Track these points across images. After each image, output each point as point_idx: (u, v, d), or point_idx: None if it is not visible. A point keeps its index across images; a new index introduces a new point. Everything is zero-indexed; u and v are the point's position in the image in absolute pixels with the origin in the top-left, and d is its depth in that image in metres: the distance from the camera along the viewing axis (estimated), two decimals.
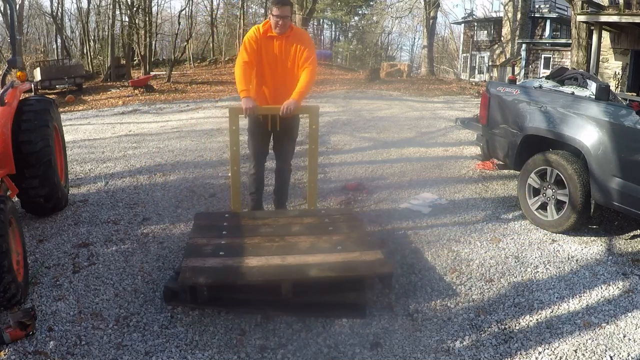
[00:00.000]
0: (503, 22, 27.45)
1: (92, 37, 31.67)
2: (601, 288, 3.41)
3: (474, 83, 21.69)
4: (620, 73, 14.82)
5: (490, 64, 28.84)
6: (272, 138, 4.34)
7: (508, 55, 25.09)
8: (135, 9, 22.12)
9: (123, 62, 24.29)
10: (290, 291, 2.96)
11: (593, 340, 2.84)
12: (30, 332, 2.79)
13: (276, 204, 4.54)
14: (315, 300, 3.05)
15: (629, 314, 3.10)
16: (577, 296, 3.31)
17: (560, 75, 5.11)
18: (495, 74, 26.20)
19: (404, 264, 3.72)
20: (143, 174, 6.09)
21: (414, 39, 48.45)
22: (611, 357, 2.71)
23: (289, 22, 3.88)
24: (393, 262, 3.70)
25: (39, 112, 4.31)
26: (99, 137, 8.64)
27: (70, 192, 5.17)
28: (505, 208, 4.92)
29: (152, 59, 26.05)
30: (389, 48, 45.31)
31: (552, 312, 3.12)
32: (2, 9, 22.63)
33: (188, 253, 3.26)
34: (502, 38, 27.49)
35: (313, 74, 3.93)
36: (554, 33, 27.11)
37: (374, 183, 5.69)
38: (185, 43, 25.78)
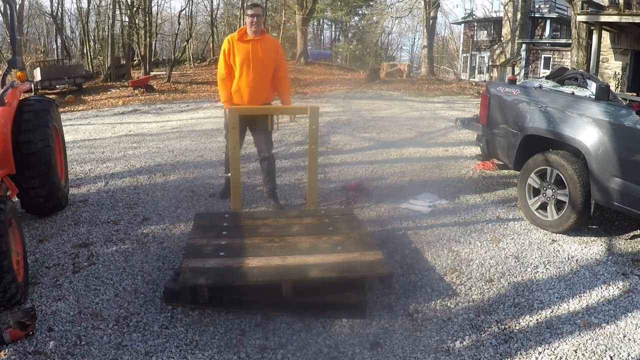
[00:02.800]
0: (503, 22, 27.46)
1: (92, 37, 31.64)
2: (601, 288, 3.41)
3: (474, 83, 21.69)
4: (620, 73, 14.83)
5: (490, 64, 28.85)
6: (248, 133, 4.86)
7: (508, 55, 25.10)
8: (135, 9, 22.12)
9: (123, 62, 24.29)
10: (291, 291, 2.96)
11: (593, 340, 2.84)
12: (30, 332, 2.79)
13: (268, 193, 4.85)
14: (315, 301, 3.05)
15: (629, 314, 3.10)
16: (577, 296, 3.31)
17: (560, 75, 5.11)
18: (495, 74, 26.20)
19: (404, 264, 3.72)
20: (143, 174, 6.10)
21: (414, 39, 48.47)
22: (611, 357, 2.71)
23: (262, 22, 4.59)
24: (393, 262, 3.71)
25: (39, 112, 4.31)
26: (99, 137, 8.64)
27: (70, 192, 5.17)
28: (505, 208, 4.92)
29: (152, 59, 26.05)
30: (389, 48, 45.34)
31: (552, 312, 3.13)
32: (2, 9, 22.62)
33: (188, 253, 3.26)
34: (502, 38, 27.50)
35: (289, 86, 4.86)
36: (554, 33, 27.11)
37: (374, 183, 5.70)
38: (185, 43, 25.79)
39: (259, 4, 4.68)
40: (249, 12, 4.51)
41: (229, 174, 4.57)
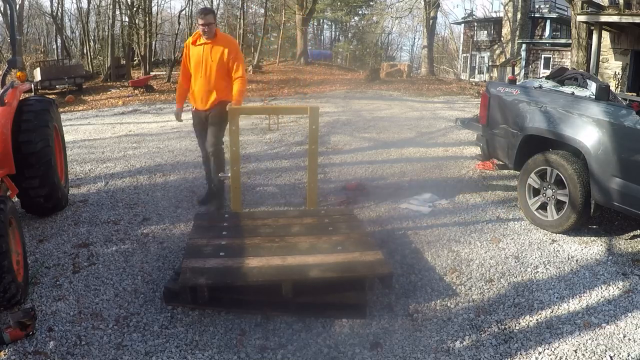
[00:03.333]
0: (503, 22, 27.45)
1: (92, 37, 31.63)
2: (601, 288, 3.41)
3: (474, 83, 21.69)
4: (620, 73, 14.82)
5: (490, 64, 28.84)
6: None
7: (508, 55, 25.09)
8: (135, 9, 22.12)
9: (123, 62, 24.28)
10: (291, 291, 2.96)
11: (593, 340, 2.84)
12: (30, 332, 2.79)
13: (213, 188, 4.87)
14: (315, 301, 3.05)
15: (629, 314, 3.10)
16: (577, 296, 3.31)
17: (560, 75, 5.11)
18: (495, 74, 26.20)
19: (404, 264, 3.72)
20: (143, 174, 6.09)
21: (414, 39, 48.46)
22: (611, 357, 2.71)
23: (214, 28, 4.56)
24: (393, 262, 3.71)
25: (39, 112, 4.31)
26: (99, 137, 8.64)
27: (70, 192, 5.17)
28: (505, 208, 4.92)
29: (152, 59, 26.05)
30: (389, 48, 45.33)
31: (552, 312, 3.13)
32: (2, 9, 22.62)
33: (188, 253, 3.26)
34: (502, 38, 27.49)
35: (245, 83, 4.62)
36: (554, 33, 27.11)
37: (374, 183, 5.70)
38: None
39: (210, 10, 4.70)
40: (200, 21, 4.48)
41: (220, 174, 4.59)
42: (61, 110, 8.87)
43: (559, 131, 4.29)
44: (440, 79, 24.40)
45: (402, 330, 2.93)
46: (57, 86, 18.67)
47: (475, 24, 31.82)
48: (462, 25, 33.66)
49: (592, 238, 4.22)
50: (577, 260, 3.82)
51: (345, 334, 2.89)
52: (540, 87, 4.94)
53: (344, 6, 36.43)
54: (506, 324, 3.00)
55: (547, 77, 5.28)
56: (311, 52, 30.85)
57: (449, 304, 3.20)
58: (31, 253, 3.81)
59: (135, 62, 25.66)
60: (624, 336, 2.88)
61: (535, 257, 3.87)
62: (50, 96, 10.82)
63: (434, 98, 14.89)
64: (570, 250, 4.00)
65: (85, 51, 29.39)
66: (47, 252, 3.89)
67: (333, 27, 44.60)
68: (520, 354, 2.73)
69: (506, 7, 26.98)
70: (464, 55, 32.64)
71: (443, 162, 6.66)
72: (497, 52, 27.82)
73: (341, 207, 4.85)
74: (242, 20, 28.77)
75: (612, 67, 14.98)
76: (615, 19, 12.92)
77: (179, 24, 25.76)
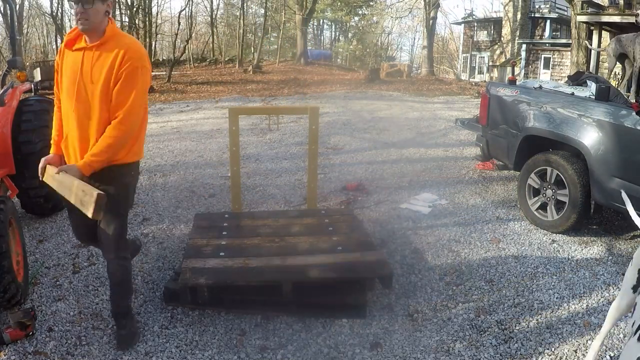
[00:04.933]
0: (503, 22, 27.46)
1: None
2: (601, 288, 3.41)
3: (473, 83, 21.69)
4: (620, 73, 14.81)
5: (490, 64, 28.84)
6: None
7: (508, 56, 25.09)
8: (135, 9, 22.13)
9: None
10: (291, 292, 2.96)
11: (593, 340, 2.84)
12: (30, 332, 2.79)
13: (114, 313, 2.83)
14: (316, 301, 3.05)
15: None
16: (577, 296, 3.30)
17: (577, 79, 5.16)
18: (495, 74, 26.20)
19: (404, 264, 3.72)
20: (143, 174, 6.09)
21: (414, 39, 48.46)
22: (611, 357, 2.71)
23: (97, 19, 2.49)
24: (393, 262, 3.71)
25: (39, 113, 4.31)
26: None
27: None
28: (505, 208, 4.92)
29: (152, 59, 26.05)
30: (389, 48, 45.32)
31: (552, 312, 3.12)
32: (2, 9, 22.62)
33: (188, 253, 3.26)
34: (502, 38, 27.50)
35: (123, 130, 2.54)
36: (554, 33, 27.10)
37: (374, 183, 5.70)
38: (185, 43, 25.78)
39: None
40: (74, 9, 2.47)
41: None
42: None
43: (558, 131, 4.29)
44: (440, 79, 24.40)
45: (402, 330, 2.93)
46: None
47: (475, 24, 31.82)
48: (462, 25, 33.65)
49: (592, 238, 4.22)
50: (577, 260, 3.82)
51: (345, 334, 2.89)
52: (540, 87, 4.95)
53: (344, 6, 36.45)
54: (506, 324, 2.99)
55: (566, 82, 5.35)
56: (311, 52, 30.87)
57: (449, 304, 3.20)
58: (31, 253, 3.81)
59: None
60: (624, 336, 2.88)
61: (535, 257, 3.87)
62: (50, 96, 10.81)
63: (433, 98, 14.89)
64: (570, 250, 4.00)
65: None
66: (47, 252, 3.89)
67: (333, 27, 44.61)
68: (520, 354, 2.73)
69: (506, 7, 26.99)
70: (464, 55, 32.63)
71: (443, 162, 6.66)
72: (497, 52, 27.83)
73: (341, 207, 4.85)
74: (242, 21, 28.79)
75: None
76: (615, 19, 12.92)
77: (179, 24, 25.77)
